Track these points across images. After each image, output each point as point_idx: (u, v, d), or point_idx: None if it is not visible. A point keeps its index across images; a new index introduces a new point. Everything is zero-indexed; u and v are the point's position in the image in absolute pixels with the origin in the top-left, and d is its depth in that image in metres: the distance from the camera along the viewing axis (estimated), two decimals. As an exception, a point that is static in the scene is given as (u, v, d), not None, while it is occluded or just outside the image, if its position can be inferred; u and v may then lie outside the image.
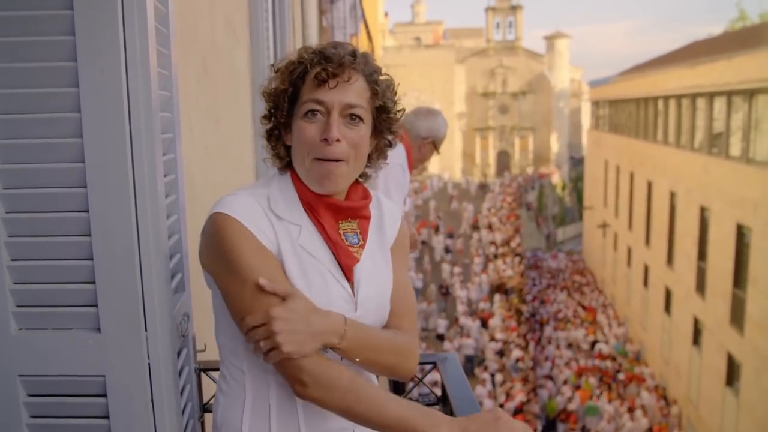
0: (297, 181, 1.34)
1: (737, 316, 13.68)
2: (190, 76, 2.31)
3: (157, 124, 1.36)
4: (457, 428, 1.17)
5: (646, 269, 21.02)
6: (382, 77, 1.34)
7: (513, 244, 30.56)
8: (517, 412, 15.72)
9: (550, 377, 18.92)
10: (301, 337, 1.19)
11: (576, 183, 53.27)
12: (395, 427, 1.17)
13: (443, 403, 2.16)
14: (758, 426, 12.58)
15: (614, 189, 26.37)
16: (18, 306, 1.33)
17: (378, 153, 1.40)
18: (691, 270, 16.55)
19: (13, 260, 1.32)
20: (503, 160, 61.16)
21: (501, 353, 19.32)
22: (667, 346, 18.43)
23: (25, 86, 1.28)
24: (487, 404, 15.59)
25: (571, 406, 16.68)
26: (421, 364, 2.30)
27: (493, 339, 20.11)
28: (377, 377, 1.50)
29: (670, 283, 18.39)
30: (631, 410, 16.34)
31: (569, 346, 21.57)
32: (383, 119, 1.35)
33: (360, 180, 1.41)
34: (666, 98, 19.92)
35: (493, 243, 31.04)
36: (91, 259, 1.31)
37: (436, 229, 32.97)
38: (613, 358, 20.17)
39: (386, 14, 49.16)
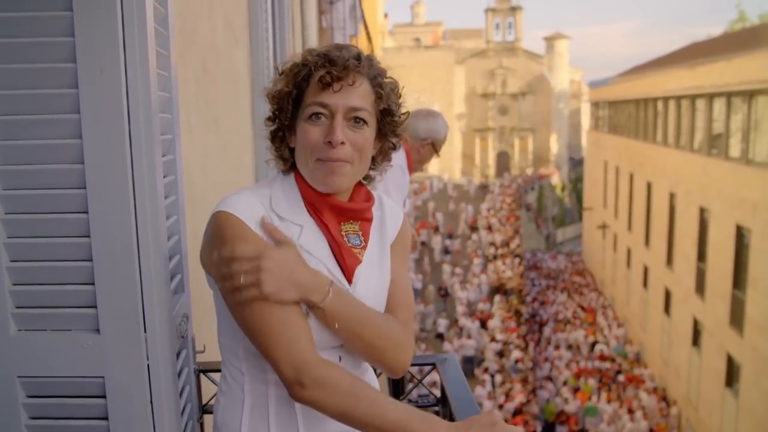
0: (300, 181, 1.34)
1: (737, 317, 13.68)
2: (190, 77, 2.31)
3: (156, 125, 1.36)
4: None
5: (646, 270, 21.02)
6: (386, 80, 1.34)
7: (512, 245, 30.57)
8: (517, 413, 15.71)
9: (549, 378, 18.93)
10: (284, 283, 1.19)
11: (575, 184, 53.29)
12: (393, 431, 1.17)
13: (442, 404, 2.16)
14: (758, 427, 12.58)
15: (614, 190, 26.38)
16: (17, 307, 1.33)
17: (382, 156, 1.40)
18: (690, 271, 16.55)
19: (12, 261, 1.32)
20: (503, 161, 61.17)
21: (501, 354, 19.32)
22: (667, 347, 18.43)
23: (25, 87, 1.28)
24: (486, 405, 15.59)
25: (570, 408, 16.67)
26: (420, 365, 2.30)
27: (493, 340, 20.11)
28: (376, 375, 1.50)
29: (670, 284, 18.40)
30: (630, 412, 16.34)
31: (569, 347, 21.57)
32: (387, 122, 1.35)
33: (363, 182, 1.41)
34: (665, 99, 19.93)
35: (492, 244, 31.04)
36: (91, 260, 1.31)
37: (436, 230, 32.98)
38: (612, 359, 20.17)
39: (386, 15, 49.18)
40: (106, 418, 1.36)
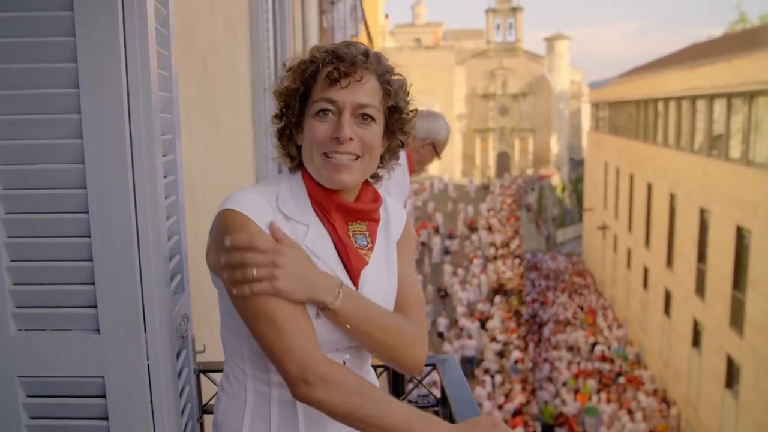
0: (308, 180, 1.33)
1: (737, 318, 13.68)
2: (190, 77, 2.31)
3: (156, 125, 1.36)
4: None
5: (646, 271, 21.02)
6: (394, 77, 1.33)
7: (512, 246, 30.57)
8: (517, 413, 15.71)
9: (549, 379, 18.92)
10: (297, 282, 1.19)
11: (576, 185, 53.28)
12: None
13: (442, 404, 2.16)
14: (758, 428, 12.58)
15: (614, 191, 26.38)
16: (17, 307, 1.33)
17: (390, 153, 1.39)
18: (690, 272, 16.55)
19: (12, 261, 1.32)
20: (503, 162, 61.20)
21: (501, 354, 19.32)
22: (667, 348, 18.43)
23: (25, 87, 1.28)
24: (486, 406, 15.59)
25: (570, 410, 16.66)
26: (420, 365, 2.29)
27: (493, 340, 20.11)
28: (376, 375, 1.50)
29: (670, 285, 18.40)
30: (630, 413, 16.34)
31: (570, 348, 21.57)
32: (395, 119, 1.34)
33: (371, 181, 1.40)
34: (666, 100, 19.94)
35: (492, 244, 31.05)
36: (91, 260, 1.31)
37: (436, 230, 32.98)
38: (612, 361, 20.16)
39: (386, 15, 49.16)
40: (106, 418, 1.36)
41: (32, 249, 1.33)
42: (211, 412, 1.58)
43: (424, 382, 2.22)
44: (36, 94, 1.28)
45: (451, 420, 1.88)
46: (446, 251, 31.26)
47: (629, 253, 23.37)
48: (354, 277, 1.32)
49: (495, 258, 29.08)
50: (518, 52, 61.76)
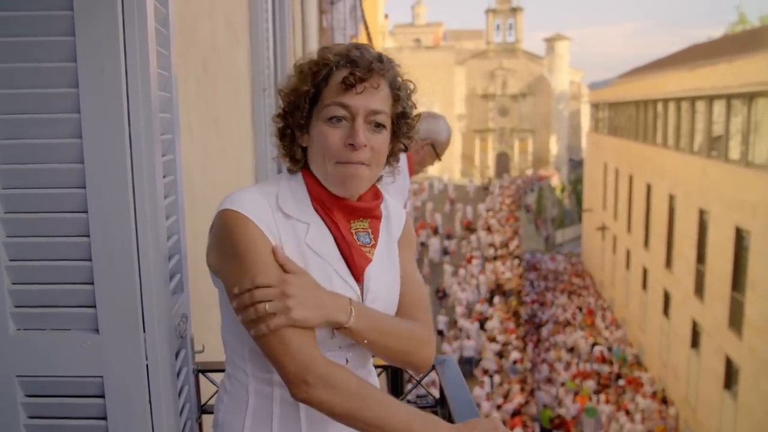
0: (309, 180, 1.33)
1: (736, 319, 13.69)
2: (190, 77, 2.31)
3: (156, 124, 1.36)
4: None
5: (645, 272, 21.03)
6: (404, 82, 1.33)
7: (512, 246, 30.59)
8: (515, 414, 15.72)
9: (549, 380, 18.92)
10: (310, 307, 1.19)
11: (575, 185, 53.30)
12: None
13: (441, 405, 2.16)
14: (756, 429, 12.59)
15: (613, 191, 26.39)
16: (16, 306, 1.33)
17: (393, 157, 1.39)
18: (689, 273, 16.56)
19: (11, 260, 1.32)
20: (502, 162, 61.23)
21: (500, 355, 19.33)
22: (666, 349, 18.44)
23: (25, 86, 1.28)
24: (484, 406, 15.59)
25: (568, 412, 16.65)
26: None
27: (493, 340, 20.12)
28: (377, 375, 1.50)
29: (669, 286, 18.40)
30: (628, 413, 16.34)
31: (571, 350, 21.57)
32: (402, 124, 1.34)
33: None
34: (665, 101, 19.94)
35: (491, 245, 31.05)
36: (90, 259, 1.31)
37: (435, 231, 32.98)
38: (611, 362, 20.16)
39: (386, 15, 49.14)
40: (104, 418, 1.36)
41: (31, 248, 1.32)
42: (210, 412, 1.58)
43: (422, 382, 2.22)
44: (36, 93, 1.28)
45: (450, 420, 1.88)
46: (445, 252, 31.26)
47: (628, 253, 23.38)
48: (357, 275, 1.32)
49: (494, 258, 29.08)
50: (518, 53, 61.81)
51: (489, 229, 33.63)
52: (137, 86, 1.29)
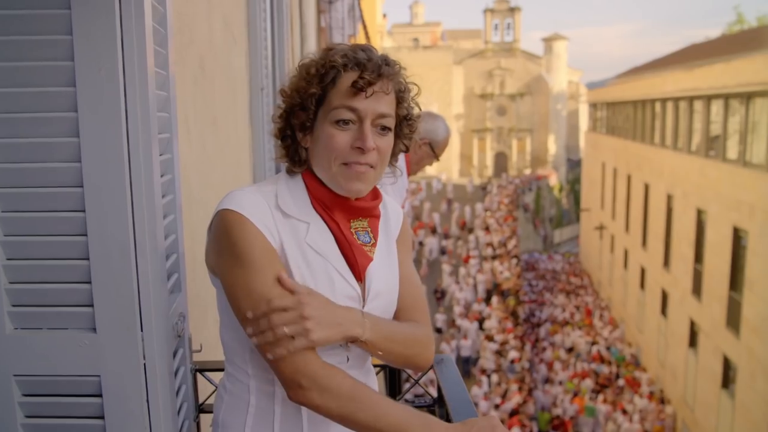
0: (310, 180, 1.32)
1: (733, 319, 13.71)
2: (188, 76, 2.31)
3: (154, 123, 1.35)
4: None
5: (643, 271, 21.05)
6: (408, 84, 1.33)
7: (510, 246, 30.58)
8: (513, 413, 15.72)
9: (547, 381, 18.93)
10: (328, 326, 1.18)
11: (573, 185, 53.37)
12: None
13: (439, 404, 2.16)
14: (753, 428, 12.60)
15: (611, 191, 26.41)
16: (13, 305, 1.33)
17: (393, 157, 1.39)
18: (687, 273, 16.58)
19: (8, 259, 1.32)
20: (500, 162, 61.20)
21: (498, 354, 19.34)
22: (663, 349, 18.46)
23: (22, 85, 1.28)
24: (482, 405, 15.59)
25: (567, 413, 16.66)
26: (417, 365, 2.29)
27: (491, 339, 20.12)
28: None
29: (667, 285, 18.43)
30: (625, 413, 16.35)
31: (570, 350, 21.58)
32: (404, 126, 1.35)
33: None
34: (663, 101, 19.96)
35: (489, 244, 31.05)
36: (87, 258, 1.31)
37: (433, 231, 32.97)
38: (609, 362, 20.18)
39: (384, 15, 49.13)
40: (102, 417, 1.36)
41: (28, 247, 1.32)
42: (208, 411, 1.58)
43: (420, 381, 2.21)
44: (33, 92, 1.28)
45: (448, 419, 1.88)
46: (443, 251, 31.26)
47: (626, 253, 23.40)
48: (358, 274, 1.32)
49: (492, 258, 29.09)
50: (516, 53, 61.77)
51: (487, 229, 33.63)
52: (135, 85, 1.29)
